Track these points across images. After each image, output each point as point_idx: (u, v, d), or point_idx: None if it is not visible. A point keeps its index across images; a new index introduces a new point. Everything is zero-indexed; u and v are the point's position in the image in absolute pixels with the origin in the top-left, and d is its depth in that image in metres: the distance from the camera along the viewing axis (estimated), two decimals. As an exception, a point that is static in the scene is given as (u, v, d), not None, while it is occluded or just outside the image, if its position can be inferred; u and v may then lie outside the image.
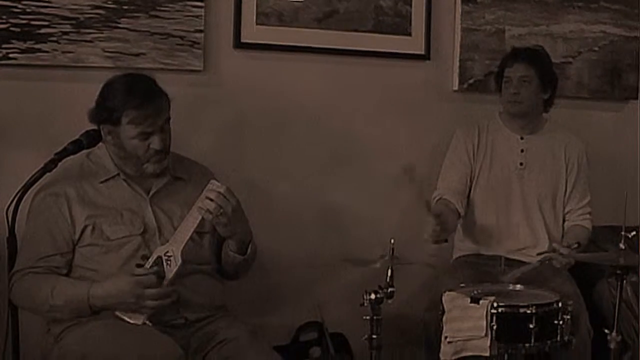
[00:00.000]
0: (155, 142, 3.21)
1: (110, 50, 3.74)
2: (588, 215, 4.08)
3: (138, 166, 3.26)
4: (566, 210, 4.09)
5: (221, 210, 3.14)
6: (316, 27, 4.15)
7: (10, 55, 3.59)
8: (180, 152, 3.42)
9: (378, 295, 3.07)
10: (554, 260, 3.75)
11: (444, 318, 3.33)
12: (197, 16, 3.88)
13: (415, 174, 3.81)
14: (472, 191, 4.09)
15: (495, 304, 3.22)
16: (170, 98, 3.28)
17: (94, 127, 3.26)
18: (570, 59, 4.68)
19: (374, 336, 3.14)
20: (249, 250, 3.37)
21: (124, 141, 3.21)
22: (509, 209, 4.06)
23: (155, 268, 3.08)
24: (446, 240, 3.75)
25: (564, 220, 4.10)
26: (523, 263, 3.92)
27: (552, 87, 4.10)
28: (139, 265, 3.10)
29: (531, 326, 3.22)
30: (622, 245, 3.23)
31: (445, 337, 3.30)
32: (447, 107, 4.47)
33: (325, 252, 4.14)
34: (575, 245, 3.74)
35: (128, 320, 3.09)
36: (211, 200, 3.13)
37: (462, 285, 3.53)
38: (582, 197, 4.09)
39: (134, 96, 3.17)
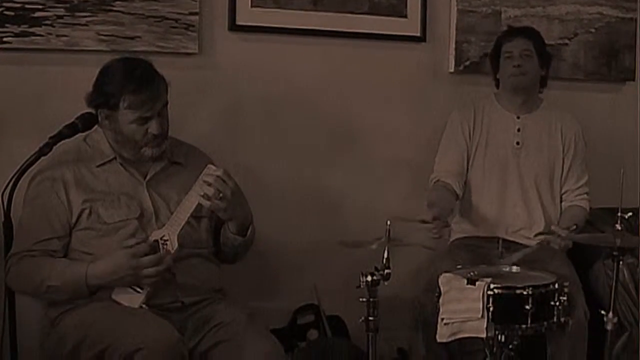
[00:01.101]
0: (153, 127, 3.21)
1: (104, 33, 3.73)
2: (585, 196, 4.08)
3: (136, 150, 3.25)
4: (563, 191, 4.09)
5: (220, 195, 3.14)
6: (312, 9, 4.13)
7: (5, 39, 3.57)
8: (175, 135, 3.42)
9: (374, 277, 3.07)
10: (552, 243, 3.75)
11: (440, 300, 3.33)
12: (192, -2, 3.87)
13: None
14: (468, 172, 4.08)
15: (491, 286, 3.22)
16: (168, 83, 3.27)
17: (89, 110, 3.25)
18: (567, 41, 4.66)
19: (371, 318, 3.14)
20: (249, 231, 3.37)
21: (122, 125, 3.20)
22: (505, 189, 4.06)
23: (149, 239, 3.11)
24: (447, 225, 3.75)
25: (561, 201, 4.09)
26: (520, 244, 3.93)
27: (548, 64, 4.11)
28: None
29: (527, 308, 3.22)
30: (618, 227, 3.23)
31: (442, 319, 3.30)
32: (443, 89, 4.47)
33: (321, 235, 4.13)
34: (574, 227, 3.74)
35: (125, 303, 3.09)
36: (209, 185, 3.13)
37: (458, 267, 3.53)
38: (579, 177, 4.09)
39: (132, 81, 3.16)
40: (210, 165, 3.21)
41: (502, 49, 4.06)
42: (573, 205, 4.06)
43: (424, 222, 3.56)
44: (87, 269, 3.07)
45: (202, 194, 3.14)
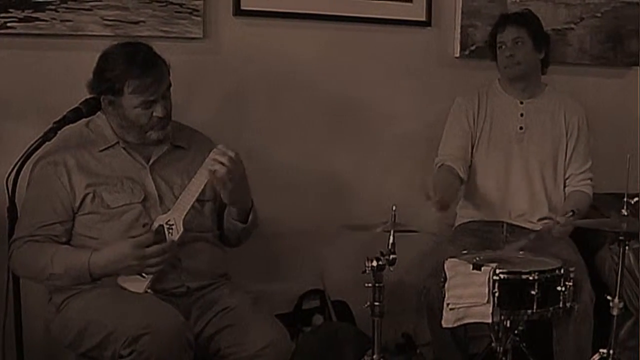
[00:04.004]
0: (158, 110, 3.20)
1: (109, 18, 3.72)
2: (589, 181, 4.07)
3: (141, 134, 3.25)
4: (567, 175, 4.08)
5: (230, 175, 3.14)
6: (316, -7, 4.12)
7: (8, 24, 3.56)
8: (180, 120, 3.41)
9: (380, 263, 3.07)
10: (553, 230, 3.75)
11: (445, 285, 3.34)
12: (196, -17, 3.86)
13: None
14: (472, 157, 4.07)
15: (497, 271, 3.23)
16: (169, 66, 3.26)
17: (93, 95, 3.24)
18: (573, 25, 4.63)
19: (376, 303, 3.14)
20: (250, 217, 3.36)
21: (127, 110, 3.20)
22: (509, 173, 4.06)
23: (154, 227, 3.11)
24: (448, 206, 3.75)
25: (564, 186, 4.08)
26: (525, 229, 3.93)
27: (546, 45, 4.08)
28: None
29: (533, 293, 3.23)
30: (624, 212, 3.23)
31: (447, 304, 3.31)
32: (448, 73, 4.45)
33: (327, 219, 4.13)
34: (571, 214, 3.73)
35: (130, 288, 3.10)
36: (222, 164, 3.12)
37: (464, 252, 3.53)
38: (583, 162, 4.08)
39: (135, 65, 3.15)
40: (220, 145, 3.18)
41: (496, 39, 4.04)
42: (576, 190, 4.04)
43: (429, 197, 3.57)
44: (90, 258, 3.07)
45: (213, 169, 3.12)
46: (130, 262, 3.04)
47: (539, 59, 4.06)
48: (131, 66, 3.14)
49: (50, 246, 3.13)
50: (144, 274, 3.10)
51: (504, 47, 4.00)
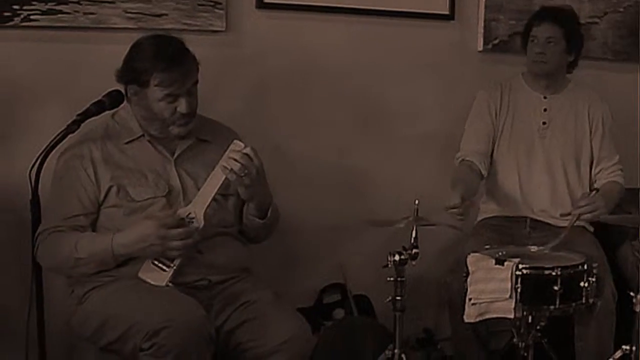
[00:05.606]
0: (182, 106, 3.20)
1: (132, 11, 3.72)
2: (619, 172, 4.04)
3: (163, 128, 3.25)
4: (597, 171, 4.05)
5: (245, 171, 3.13)
6: (340, -14, 4.11)
7: (32, 17, 3.57)
8: (202, 113, 3.40)
9: (402, 257, 3.07)
10: (583, 215, 3.72)
11: (468, 280, 3.32)
12: (218, -24, 3.86)
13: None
14: (494, 152, 4.06)
15: (520, 266, 3.21)
16: (199, 62, 3.26)
17: (117, 88, 3.25)
18: (597, 19, 4.61)
19: (398, 298, 3.14)
20: (268, 213, 3.36)
21: (151, 103, 3.20)
22: (531, 169, 4.04)
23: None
24: (472, 205, 3.73)
25: (594, 181, 4.06)
26: (548, 224, 3.90)
27: (578, 49, 4.04)
28: None
29: (556, 288, 3.20)
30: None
31: (469, 299, 3.29)
32: (471, 67, 4.44)
33: (349, 214, 4.12)
34: (593, 192, 3.72)
35: (151, 281, 3.10)
36: (236, 160, 3.12)
37: (486, 247, 3.51)
38: (611, 156, 4.05)
39: (163, 58, 3.15)
40: (236, 141, 3.19)
41: (531, 31, 4.01)
42: (608, 181, 4.02)
43: (449, 208, 3.54)
44: (113, 238, 3.07)
45: (228, 168, 3.12)
46: (154, 241, 3.03)
47: (567, 61, 4.03)
48: (159, 59, 3.14)
49: (75, 234, 3.13)
50: (165, 267, 3.10)
51: (536, 41, 3.96)
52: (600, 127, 4.05)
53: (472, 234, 3.99)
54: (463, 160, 4.00)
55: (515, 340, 3.42)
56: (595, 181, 4.05)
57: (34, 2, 3.56)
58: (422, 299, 3.99)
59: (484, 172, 3.99)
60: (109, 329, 3.02)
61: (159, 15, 3.77)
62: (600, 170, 4.04)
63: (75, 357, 3.42)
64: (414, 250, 3.07)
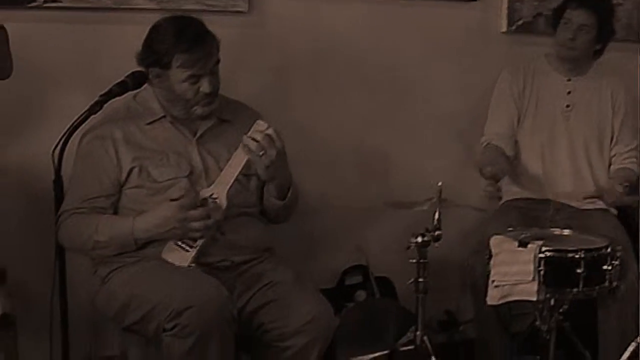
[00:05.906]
0: (204, 86, 3.19)
1: (154, -9, 3.72)
2: (635, 159, 4.02)
3: (187, 109, 3.24)
4: (613, 154, 4.04)
5: (265, 152, 3.12)
6: (363, -33, 4.09)
7: (55, -2, 3.58)
8: (225, 93, 3.40)
9: (425, 239, 3.07)
10: (605, 199, 3.72)
11: (491, 262, 3.32)
12: (241, -44, 3.84)
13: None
14: (517, 133, 4.04)
15: (543, 249, 3.20)
16: (219, 41, 3.25)
17: (139, 68, 3.24)
18: (621, 0, 4.57)
19: (420, 280, 3.15)
20: (288, 195, 3.35)
21: (174, 84, 3.19)
22: (554, 151, 4.02)
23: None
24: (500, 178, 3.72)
25: (610, 164, 4.04)
26: (571, 207, 3.89)
27: (606, 40, 4.01)
28: None
29: (579, 271, 3.20)
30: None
31: (492, 281, 3.29)
32: (495, 49, 4.41)
33: (371, 194, 4.12)
34: (626, 185, 3.70)
35: (174, 262, 3.10)
36: (256, 141, 3.11)
37: (509, 229, 3.50)
38: (629, 140, 4.04)
39: (184, 39, 3.14)
40: (259, 121, 3.17)
41: (565, 12, 3.97)
42: (622, 167, 4.01)
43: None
44: (133, 222, 3.09)
45: (248, 145, 3.11)
46: (174, 224, 3.04)
47: (594, 49, 4.01)
48: (180, 40, 3.13)
49: (95, 216, 3.14)
50: (188, 248, 3.10)
51: (569, 24, 3.91)
52: (622, 111, 4.04)
53: (495, 216, 3.97)
54: (489, 144, 3.99)
55: (537, 323, 3.41)
56: (610, 165, 4.03)
57: (57, -17, 3.57)
58: (444, 281, 3.97)
59: (511, 154, 3.98)
60: (132, 310, 3.03)
61: (183, -4, 3.76)
62: (617, 154, 4.02)
63: (99, 336, 3.44)
64: (437, 232, 3.07)
